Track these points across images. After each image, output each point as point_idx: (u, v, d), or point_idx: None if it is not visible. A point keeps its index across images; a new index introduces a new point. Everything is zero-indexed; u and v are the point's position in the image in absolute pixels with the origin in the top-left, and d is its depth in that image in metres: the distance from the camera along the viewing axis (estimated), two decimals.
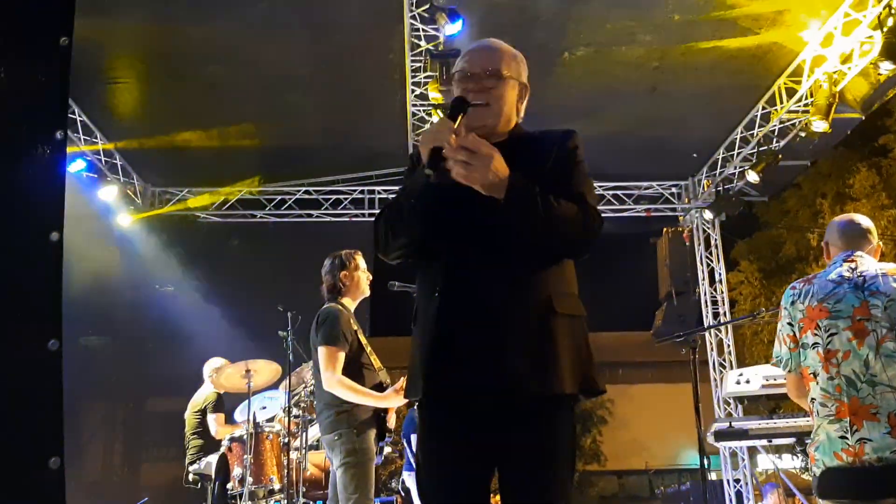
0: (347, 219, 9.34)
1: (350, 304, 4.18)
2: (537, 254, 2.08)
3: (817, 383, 2.66)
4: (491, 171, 1.96)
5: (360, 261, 4.21)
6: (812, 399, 2.69)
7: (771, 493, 9.28)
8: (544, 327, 2.01)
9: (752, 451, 9.14)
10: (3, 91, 1.58)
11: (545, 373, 1.98)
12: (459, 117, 2.07)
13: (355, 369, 3.97)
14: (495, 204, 1.99)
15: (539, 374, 1.97)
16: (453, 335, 2.02)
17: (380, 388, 4.01)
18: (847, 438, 2.52)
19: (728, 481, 9.08)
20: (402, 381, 3.89)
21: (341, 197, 9.39)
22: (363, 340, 4.10)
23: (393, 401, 3.96)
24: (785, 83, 7.58)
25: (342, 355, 3.94)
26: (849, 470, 2.49)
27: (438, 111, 7.03)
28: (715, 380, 9.49)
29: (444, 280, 2.07)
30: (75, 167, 7.76)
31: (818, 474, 2.60)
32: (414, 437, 7.02)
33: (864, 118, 7.86)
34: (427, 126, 1.90)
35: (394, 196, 2.27)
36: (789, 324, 2.80)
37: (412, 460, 6.83)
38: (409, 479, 6.94)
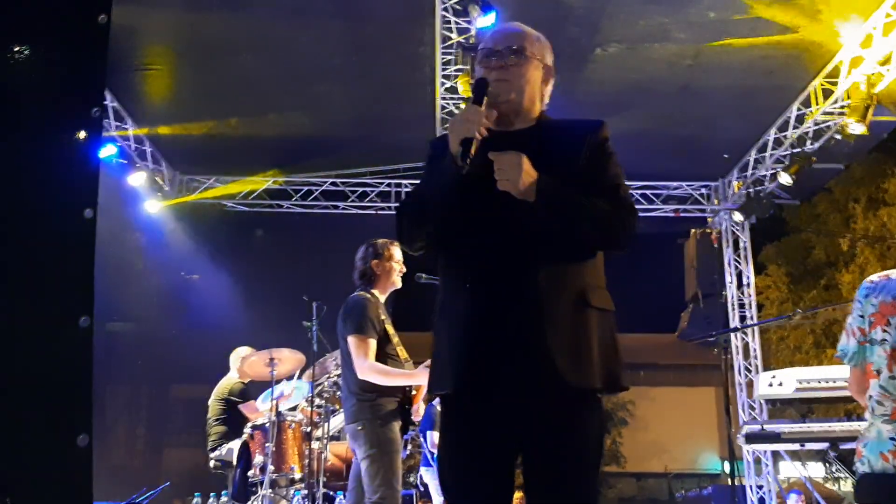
0: (373, 211, 9.33)
1: (380, 294, 4.13)
2: (571, 246, 2.05)
3: (878, 380, 2.59)
4: (524, 173, 1.95)
5: (396, 252, 4.15)
6: (869, 396, 2.62)
7: (794, 500, 9.16)
8: (580, 320, 1.99)
9: (776, 457, 9.02)
10: (41, 67, 1.57)
11: (581, 366, 1.95)
12: (485, 100, 2.05)
13: (380, 359, 3.94)
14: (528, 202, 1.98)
15: (576, 367, 1.95)
16: (487, 328, 1.99)
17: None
18: None
19: (751, 487, 8.97)
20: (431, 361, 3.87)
21: (368, 189, 9.39)
22: (390, 331, 4.06)
23: (423, 377, 3.92)
24: (822, 84, 7.44)
25: (373, 342, 3.91)
26: (891, 476, 2.43)
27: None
28: (740, 384, 9.38)
29: (474, 272, 2.04)
30: (106, 152, 7.81)
31: (860, 472, 2.54)
32: (430, 433, 7.01)
33: None
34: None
35: (416, 185, 2.24)
36: (860, 316, 2.72)
37: (429, 456, 6.82)
38: (427, 474, 6.92)
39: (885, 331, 2.60)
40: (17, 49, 1.57)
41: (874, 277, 2.76)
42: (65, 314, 1.46)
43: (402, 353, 4.09)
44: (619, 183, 2.10)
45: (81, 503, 1.39)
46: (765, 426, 4.03)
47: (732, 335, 9.37)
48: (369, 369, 3.86)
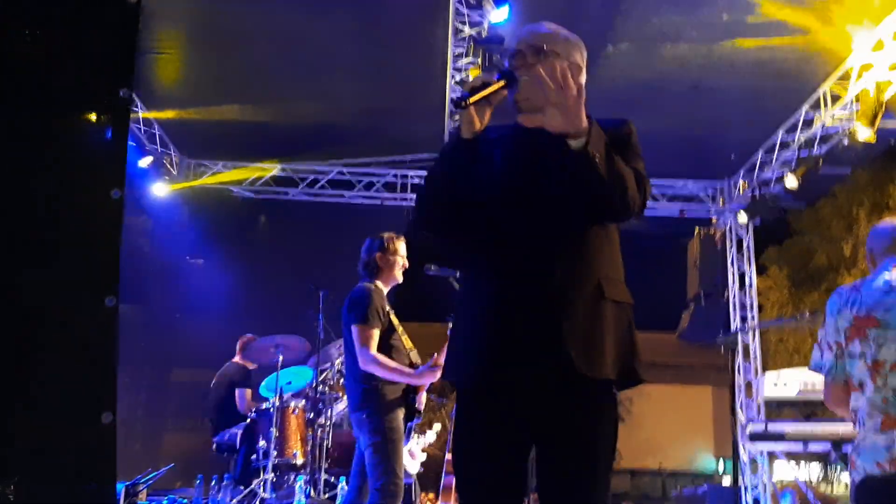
0: (380, 202, 9.34)
1: (383, 286, 4.20)
2: (589, 227, 2.07)
3: (863, 394, 2.60)
4: (582, 110, 1.92)
5: (401, 246, 4.22)
6: (855, 409, 2.64)
7: (789, 501, 9.19)
8: (595, 312, 2.00)
9: (772, 458, 9.04)
10: (69, 48, 1.59)
11: (594, 357, 1.97)
12: (503, 83, 2.06)
13: (385, 350, 4.00)
14: (559, 156, 1.97)
15: (589, 358, 1.96)
16: (503, 318, 2.01)
17: (412, 369, 4.04)
18: (893, 448, 2.47)
19: (746, 487, 8.99)
20: (437, 358, 3.95)
21: (374, 179, 9.39)
22: (395, 321, 4.12)
23: (427, 378, 4.00)
24: (832, 88, 7.43)
25: (376, 333, 3.97)
26: (889, 481, 2.45)
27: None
28: (739, 384, 9.38)
29: (496, 264, 2.07)
30: None
31: (857, 481, 2.56)
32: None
33: None
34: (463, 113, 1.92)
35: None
36: (835, 331, 2.74)
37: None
38: None
39: (862, 344, 2.62)
40: (46, 28, 1.58)
41: (843, 290, 2.79)
42: (92, 294, 1.48)
43: (407, 342, 4.16)
44: (638, 165, 2.13)
45: (105, 480, 1.42)
46: (769, 425, 4.05)
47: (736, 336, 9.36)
48: (372, 361, 3.91)
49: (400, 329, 4.13)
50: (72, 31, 1.61)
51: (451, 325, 4.11)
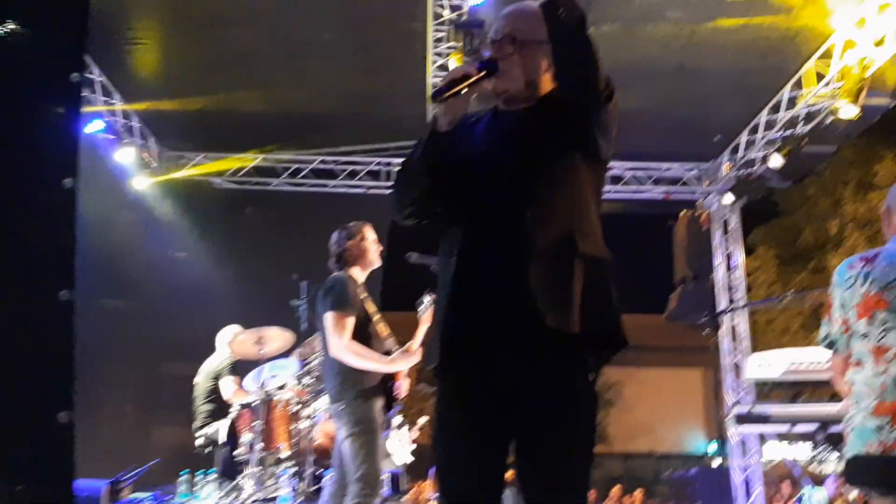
0: (363, 190, 9.26)
1: (359, 274, 4.16)
2: (564, 176, 2.04)
3: (862, 372, 2.53)
4: None
5: (368, 232, 4.19)
6: (851, 382, 2.58)
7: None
8: (564, 264, 1.94)
9: (762, 439, 9.07)
10: (18, 31, 1.51)
11: (562, 309, 1.90)
12: (483, 73, 2.05)
13: (362, 338, 3.95)
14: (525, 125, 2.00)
15: (557, 309, 1.89)
16: (470, 289, 1.97)
17: (387, 356, 4.00)
18: (882, 431, 2.42)
19: (737, 468, 9.02)
20: (410, 344, 3.93)
21: (357, 168, 9.30)
22: (371, 309, 4.09)
23: (400, 364, 3.96)
24: (815, 66, 7.40)
25: (350, 321, 3.91)
26: (877, 459, 2.42)
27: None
28: (727, 366, 9.40)
29: (461, 241, 2.03)
30: (93, 128, 7.72)
31: (848, 458, 2.52)
32: None
33: (894, 105, 7.67)
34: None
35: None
36: (842, 306, 2.64)
37: None
38: None
39: (868, 324, 2.53)
40: None
41: (856, 263, 2.65)
42: (44, 287, 1.41)
43: (383, 330, 4.12)
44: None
45: (63, 480, 1.36)
46: (754, 407, 4.03)
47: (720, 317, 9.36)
48: (345, 348, 3.85)
49: (376, 317, 4.08)
50: (19, 13, 1.54)
51: (420, 311, 4.12)
